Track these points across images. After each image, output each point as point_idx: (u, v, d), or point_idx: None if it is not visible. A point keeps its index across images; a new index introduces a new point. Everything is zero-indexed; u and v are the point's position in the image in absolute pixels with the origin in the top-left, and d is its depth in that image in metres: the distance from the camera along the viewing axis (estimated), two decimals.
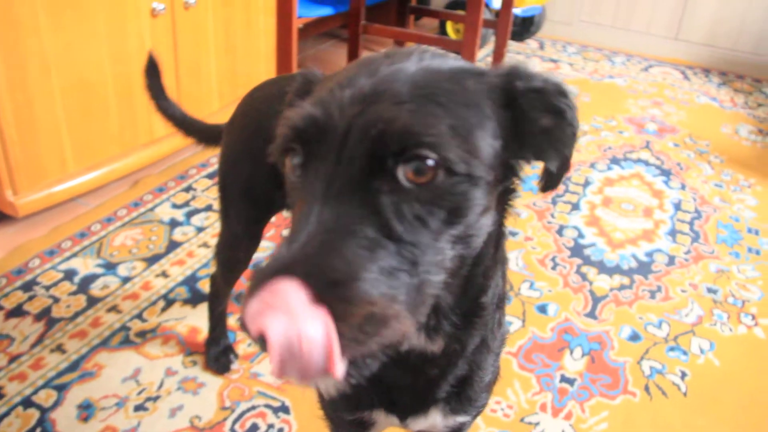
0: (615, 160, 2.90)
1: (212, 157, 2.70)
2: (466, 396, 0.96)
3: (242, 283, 2.01)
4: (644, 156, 2.96)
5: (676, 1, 4.12)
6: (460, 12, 3.90)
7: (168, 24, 2.41)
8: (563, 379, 1.77)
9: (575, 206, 2.53)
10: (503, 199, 0.79)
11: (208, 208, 2.39)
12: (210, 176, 2.58)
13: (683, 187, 2.73)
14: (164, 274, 2.06)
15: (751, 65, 4.05)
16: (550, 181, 0.82)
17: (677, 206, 2.59)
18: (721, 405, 1.73)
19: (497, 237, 0.81)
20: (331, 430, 1.17)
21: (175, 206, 2.38)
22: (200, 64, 2.62)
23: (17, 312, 1.88)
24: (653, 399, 1.73)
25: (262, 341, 0.56)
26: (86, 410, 1.61)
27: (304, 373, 0.56)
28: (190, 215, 2.34)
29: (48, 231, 2.21)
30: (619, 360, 1.84)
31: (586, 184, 2.69)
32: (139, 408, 1.62)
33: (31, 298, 1.93)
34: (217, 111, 2.77)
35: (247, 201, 1.42)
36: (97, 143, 2.31)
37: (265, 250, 2.10)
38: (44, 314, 1.88)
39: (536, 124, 0.74)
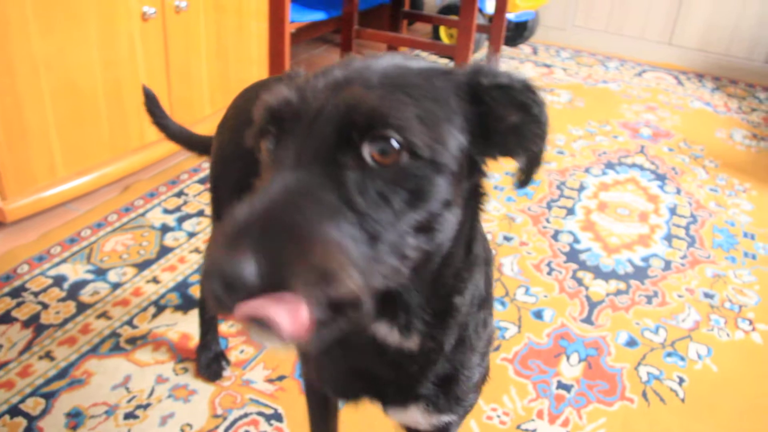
0: (610, 165, 2.89)
1: (204, 162, 2.68)
2: (453, 395, 0.97)
3: None
4: (639, 161, 2.95)
5: (670, 7, 4.12)
6: (454, 17, 3.89)
7: (159, 28, 2.38)
8: (560, 385, 1.75)
9: (570, 211, 2.51)
10: (472, 200, 0.81)
11: (200, 213, 2.36)
12: (201, 181, 2.55)
13: (678, 191, 2.72)
14: (155, 280, 2.03)
15: (745, 70, 4.05)
16: (523, 179, 0.82)
17: (673, 211, 2.57)
18: (720, 411, 1.71)
19: (468, 239, 0.82)
20: (308, 406, 1.26)
21: (166, 211, 2.36)
22: (191, 68, 2.59)
23: (5, 319, 1.85)
24: (651, 405, 1.71)
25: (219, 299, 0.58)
26: (75, 418, 1.58)
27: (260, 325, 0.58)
28: (181, 220, 2.31)
29: (37, 236, 2.18)
30: (616, 366, 1.82)
31: (581, 188, 2.68)
32: (129, 416, 1.59)
33: (19, 305, 1.90)
34: (209, 116, 2.74)
35: (238, 201, 1.40)
36: (88, 148, 2.28)
37: None
38: (33, 321, 1.85)
39: (503, 121, 0.75)
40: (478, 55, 4.06)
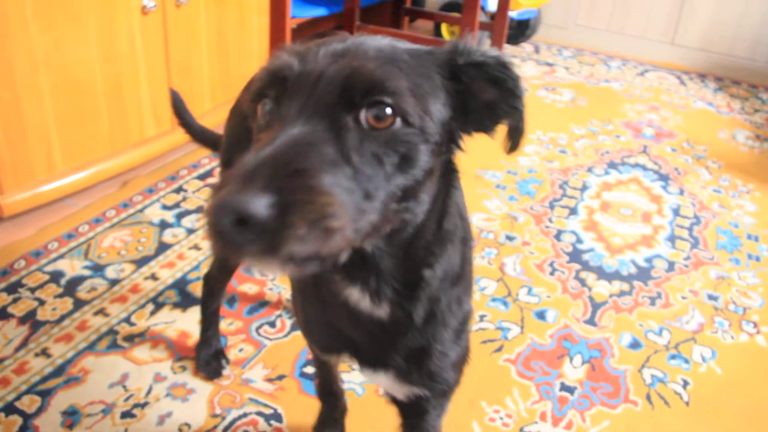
0: (612, 165, 2.87)
1: (203, 158, 2.65)
2: (425, 369, 0.99)
3: (234, 286, 1.96)
4: (642, 160, 2.93)
5: (672, 6, 4.10)
6: (456, 14, 3.87)
7: (159, 22, 2.36)
8: (563, 387, 1.72)
9: (573, 211, 2.49)
10: (445, 175, 0.85)
11: (199, 209, 2.33)
12: (201, 177, 2.53)
13: (682, 192, 2.69)
14: (153, 277, 2.00)
15: (748, 71, 4.03)
16: (512, 145, 0.86)
17: (676, 211, 2.55)
18: (724, 415, 1.69)
19: (440, 214, 0.87)
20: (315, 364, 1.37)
21: (165, 207, 2.33)
22: (192, 63, 2.57)
23: (1, 314, 1.82)
24: (655, 408, 1.69)
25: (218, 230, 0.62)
26: (71, 417, 1.55)
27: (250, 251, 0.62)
28: (180, 217, 2.29)
29: (35, 231, 2.16)
30: (620, 368, 1.80)
31: (584, 188, 2.66)
32: (126, 415, 1.57)
33: (15, 301, 1.88)
34: (210, 111, 2.72)
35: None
36: (86, 143, 2.26)
37: None
38: (29, 317, 1.82)
39: (479, 98, 0.81)
40: None
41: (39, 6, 1.96)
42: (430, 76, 0.77)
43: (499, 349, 1.82)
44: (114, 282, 1.97)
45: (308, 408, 1.61)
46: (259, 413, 1.59)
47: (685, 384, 1.77)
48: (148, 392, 1.63)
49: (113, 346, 1.75)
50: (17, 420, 1.54)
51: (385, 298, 0.88)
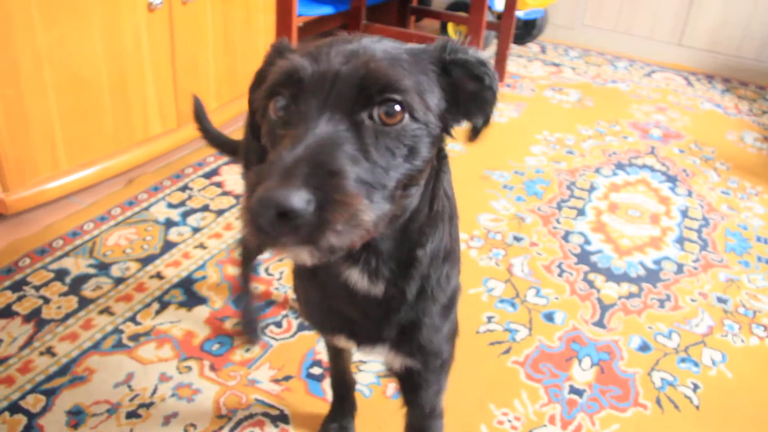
0: (620, 166, 2.85)
1: (209, 156, 2.64)
2: (416, 342, 1.06)
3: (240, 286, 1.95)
4: (649, 162, 2.91)
5: (680, 7, 4.08)
6: (462, 14, 3.85)
7: (165, 19, 2.34)
8: (572, 390, 1.71)
9: (581, 212, 2.47)
10: (436, 161, 0.92)
11: (205, 208, 2.32)
12: (207, 176, 2.51)
13: (690, 193, 2.67)
14: (159, 276, 1.99)
15: (755, 72, 4.01)
16: (474, 135, 0.95)
17: (684, 213, 2.53)
18: (735, 419, 1.67)
19: (431, 197, 0.94)
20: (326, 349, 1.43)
21: (170, 206, 2.32)
22: (198, 61, 2.55)
23: (6, 313, 1.81)
24: (665, 412, 1.67)
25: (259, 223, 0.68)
26: (76, 417, 1.54)
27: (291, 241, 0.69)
28: (185, 215, 2.27)
29: (39, 229, 2.15)
30: (629, 371, 1.78)
31: (592, 189, 2.64)
32: (131, 415, 1.55)
33: (20, 299, 1.86)
34: (215, 109, 2.70)
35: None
36: (91, 140, 2.24)
37: None
38: (34, 315, 1.81)
39: (465, 90, 0.89)
40: (487, 53, 4.01)
41: (44, 2, 1.95)
42: (426, 72, 0.85)
43: (507, 351, 1.81)
44: (119, 280, 1.95)
45: (315, 409, 1.60)
46: (266, 414, 1.58)
47: (695, 387, 1.75)
48: (154, 392, 1.62)
49: (118, 345, 1.74)
50: (22, 419, 1.52)
51: (381, 278, 0.95)
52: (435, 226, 0.97)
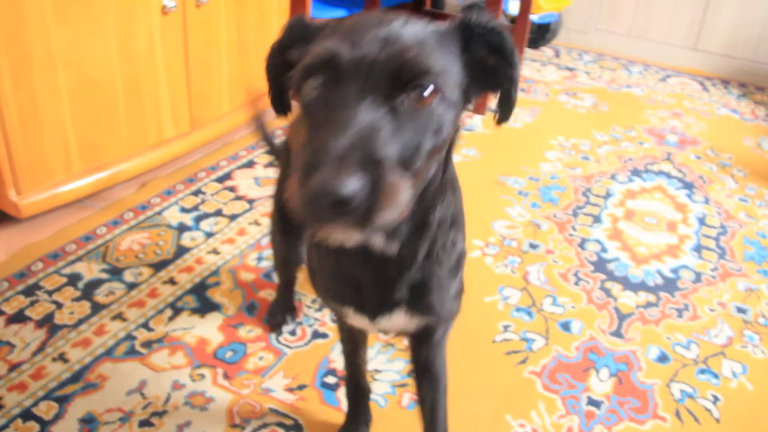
0: (636, 172, 2.82)
1: (222, 160, 2.62)
2: (426, 300, 1.12)
3: (253, 293, 1.93)
4: (666, 168, 2.88)
5: (695, 11, 4.04)
6: None
7: (179, 22, 2.33)
8: (590, 401, 1.68)
9: (597, 219, 2.45)
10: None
11: (218, 212, 2.30)
12: (219, 180, 2.50)
13: (707, 200, 2.64)
14: (172, 281, 1.97)
15: None
16: (502, 114, 0.98)
17: (702, 221, 2.50)
18: None
19: (444, 167, 1.00)
20: (340, 338, 1.44)
21: (183, 210, 2.30)
22: (211, 64, 2.54)
23: (19, 317, 1.80)
24: (685, 425, 1.64)
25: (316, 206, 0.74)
26: (89, 425, 1.52)
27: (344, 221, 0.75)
28: (198, 220, 2.26)
29: (52, 233, 2.13)
30: (648, 382, 1.75)
31: (608, 195, 2.61)
32: (144, 423, 1.54)
33: (33, 303, 1.85)
34: (228, 113, 2.69)
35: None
36: (104, 143, 2.23)
37: None
38: (46, 321, 1.80)
39: (485, 64, 0.93)
40: None
41: (58, 5, 1.93)
42: (451, 51, 0.89)
43: (524, 361, 1.78)
44: (132, 286, 1.94)
45: (329, 419, 1.58)
46: (280, 424, 1.56)
47: (715, 400, 1.72)
48: (167, 400, 1.60)
49: (131, 352, 1.73)
50: (34, 426, 1.51)
51: (397, 238, 1.01)
52: (445, 192, 1.04)
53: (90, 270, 1.99)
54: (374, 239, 0.82)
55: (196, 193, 2.40)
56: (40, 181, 2.08)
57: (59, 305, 1.85)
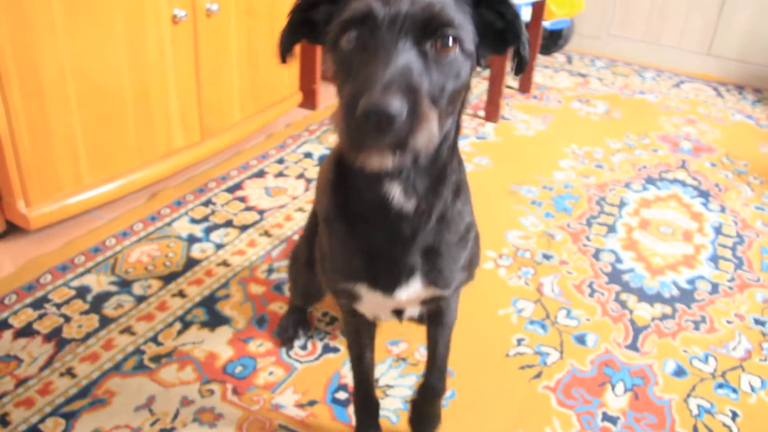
0: (650, 180, 2.78)
1: (232, 170, 2.60)
2: (437, 269, 1.20)
3: (263, 305, 1.90)
4: (680, 176, 2.84)
5: (709, 16, 4.00)
6: None
7: (189, 31, 2.32)
8: (605, 417, 1.65)
9: (611, 228, 2.41)
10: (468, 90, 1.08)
11: (228, 223, 2.28)
12: (230, 190, 2.48)
13: (723, 209, 2.60)
14: (181, 294, 1.95)
15: None
16: (518, 67, 1.08)
17: (718, 230, 2.46)
18: None
19: (456, 128, 1.11)
20: (346, 329, 1.45)
21: (193, 221, 2.28)
22: (222, 73, 2.52)
23: (27, 331, 1.78)
24: None
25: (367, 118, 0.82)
26: None
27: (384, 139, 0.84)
28: (208, 231, 2.24)
29: (61, 245, 2.12)
30: (665, 397, 1.72)
31: (622, 204, 2.58)
32: None
33: (41, 317, 1.84)
34: (239, 122, 2.67)
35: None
36: (114, 154, 2.22)
37: None
38: (54, 334, 1.78)
39: (494, 27, 1.04)
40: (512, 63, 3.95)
41: (67, 14, 1.92)
42: (464, 10, 1.00)
43: (538, 376, 1.75)
44: (141, 299, 1.92)
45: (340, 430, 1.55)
46: None
47: (734, 416, 1.68)
48: (175, 416, 1.58)
49: (140, 366, 1.70)
50: None
51: (415, 193, 1.09)
52: (454, 155, 1.14)
53: (99, 282, 1.97)
54: (405, 163, 0.88)
55: (206, 203, 2.39)
56: (49, 192, 2.07)
57: (67, 318, 1.83)
